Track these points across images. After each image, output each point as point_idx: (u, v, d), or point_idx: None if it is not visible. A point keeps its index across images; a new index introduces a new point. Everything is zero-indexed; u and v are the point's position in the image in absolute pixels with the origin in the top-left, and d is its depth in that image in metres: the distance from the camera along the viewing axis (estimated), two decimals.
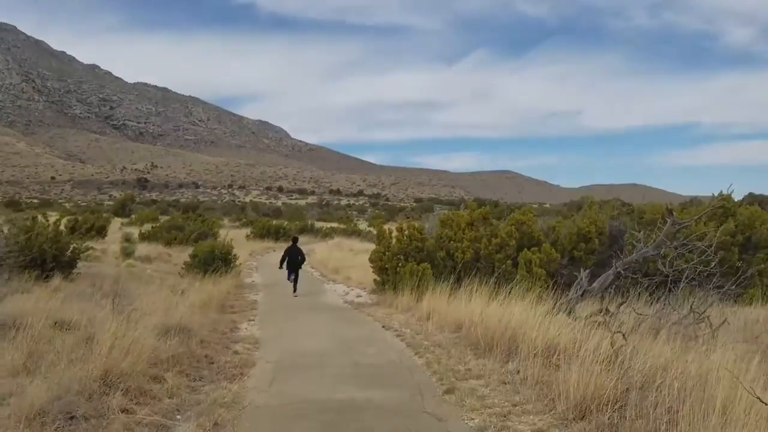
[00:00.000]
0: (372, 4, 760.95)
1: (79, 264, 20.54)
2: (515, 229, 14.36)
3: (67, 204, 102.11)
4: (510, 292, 10.89)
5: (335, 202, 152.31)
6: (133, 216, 59.88)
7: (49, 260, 16.79)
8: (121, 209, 71.74)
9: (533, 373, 6.56)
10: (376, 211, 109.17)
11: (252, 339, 9.68)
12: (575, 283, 11.92)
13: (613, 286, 12.17)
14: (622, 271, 11.56)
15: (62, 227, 19.77)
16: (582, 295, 11.13)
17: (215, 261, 19.46)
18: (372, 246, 23.30)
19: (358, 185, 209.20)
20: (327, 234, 47.61)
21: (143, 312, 10.84)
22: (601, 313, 11.00)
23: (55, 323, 8.82)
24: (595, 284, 11.50)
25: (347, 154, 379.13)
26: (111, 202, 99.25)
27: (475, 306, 10.47)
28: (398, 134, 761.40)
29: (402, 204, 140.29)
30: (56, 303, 11.11)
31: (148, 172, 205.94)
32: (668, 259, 11.57)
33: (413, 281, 13.94)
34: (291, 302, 15.56)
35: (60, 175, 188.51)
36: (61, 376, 5.56)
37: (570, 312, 10.70)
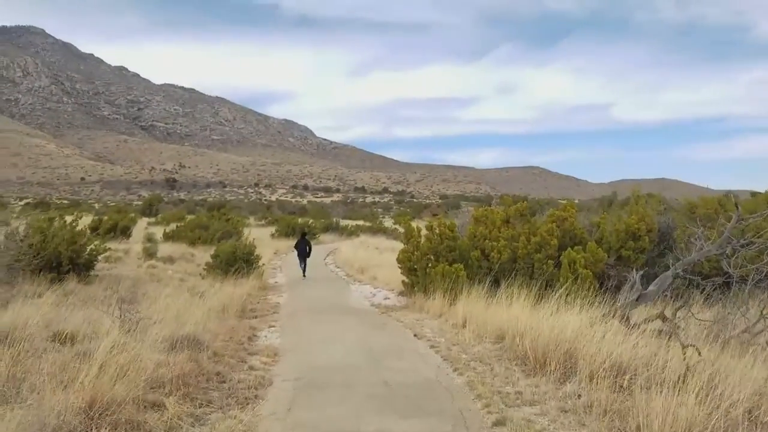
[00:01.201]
0: (396, 0, 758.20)
1: (100, 265, 19.99)
2: (556, 227, 13.21)
3: (96, 204, 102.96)
4: (556, 297, 9.80)
5: (360, 199, 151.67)
6: (159, 216, 59.81)
7: (64, 262, 16.16)
8: (148, 209, 71.85)
9: (599, 399, 5.48)
10: (401, 208, 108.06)
11: (271, 350, 8.74)
12: (627, 286, 10.77)
13: (670, 289, 11.03)
14: (681, 273, 10.39)
15: (80, 227, 19.14)
16: (637, 299, 9.99)
17: (237, 261, 18.69)
18: (398, 244, 22.32)
19: (383, 183, 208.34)
20: (352, 232, 46.74)
21: (154, 320, 10.01)
22: (659, 320, 9.89)
23: (54, 335, 8.02)
24: (651, 287, 10.33)
25: (372, 151, 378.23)
26: (140, 202, 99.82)
27: (517, 312, 9.41)
28: (423, 131, 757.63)
29: (427, 201, 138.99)
30: (61, 310, 10.37)
31: (176, 172, 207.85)
32: (732, 258, 10.39)
33: (445, 283, 12.91)
34: (315, 305, 14.64)
35: (89, 176, 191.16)
36: (38, 407, 4.68)
37: (624, 319, 9.59)
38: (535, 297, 10.36)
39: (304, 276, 21.56)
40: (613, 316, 9.53)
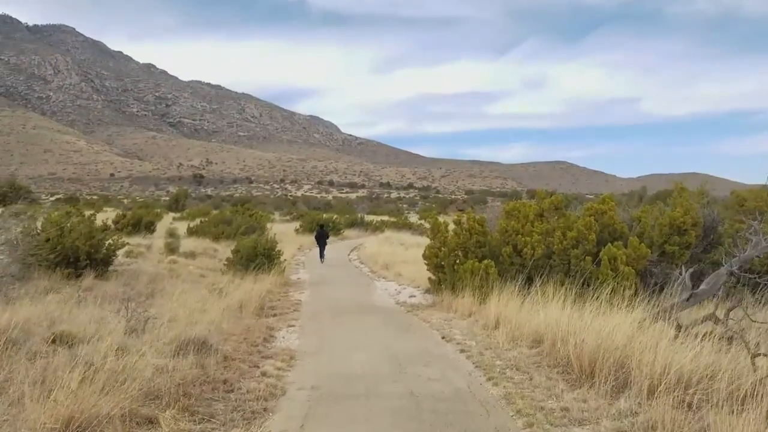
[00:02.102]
0: None
1: (121, 260, 19.62)
2: (594, 221, 12.30)
3: (125, 200, 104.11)
4: (599, 296, 8.96)
5: (385, 195, 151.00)
6: (185, 211, 59.82)
7: (82, 257, 15.75)
8: (175, 204, 72.09)
9: (663, 420, 4.66)
10: (426, 203, 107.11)
11: (287, 353, 8.04)
12: (676, 285, 9.89)
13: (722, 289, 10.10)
14: (736, 270, 9.46)
15: (100, 221, 18.77)
16: (688, 299, 9.10)
17: (258, 257, 18.11)
18: (423, 240, 21.56)
19: (408, 178, 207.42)
20: (377, 227, 46.05)
21: (165, 319, 9.42)
22: (711, 321, 9.01)
23: (53, 336, 7.44)
24: (703, 286, 9.44)
25: (397, 147, 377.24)
26: (168, 198, 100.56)
27: (555, 313, 8.59)
28: (449, 126, 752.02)
29: (453, 196, 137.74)
30: (70, 308, 9.84)
31: (204, 168, 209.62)
32: None
33: (475, 281, 12.11)
34: (337, 303, 13.99)
35: (119, 172, 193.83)
36: (13, 425, 4.04)
37: (674, 321, 8.70)
38: (574, 296, 9.53)
39: (322, 261, 25.28)
40: (662, 318, 8.67)
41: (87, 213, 18.01)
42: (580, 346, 6.52)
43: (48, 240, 15.78)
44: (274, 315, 12.27)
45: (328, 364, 7.47)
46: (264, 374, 6.80)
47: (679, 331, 7.99)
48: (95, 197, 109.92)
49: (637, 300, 9.52)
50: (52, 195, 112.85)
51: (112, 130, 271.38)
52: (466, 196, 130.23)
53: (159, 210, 56.80)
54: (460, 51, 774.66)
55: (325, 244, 26.76)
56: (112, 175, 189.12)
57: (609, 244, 11.87)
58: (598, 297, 9.27)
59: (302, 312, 12.71)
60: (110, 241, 16.99)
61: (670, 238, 12.39)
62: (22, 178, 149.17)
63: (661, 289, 11.06)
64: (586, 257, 11.92)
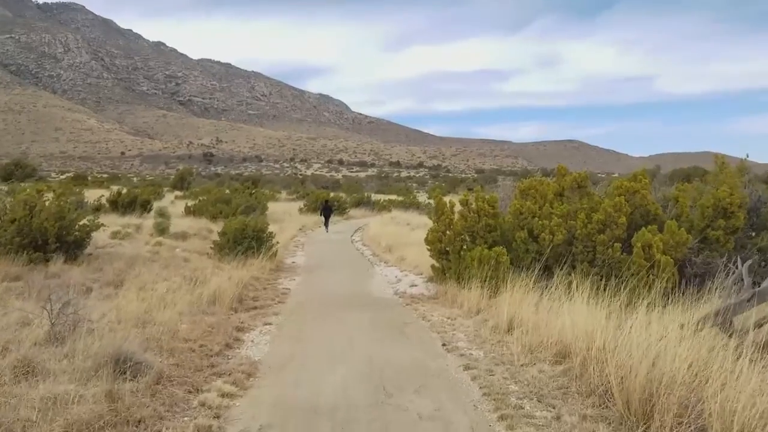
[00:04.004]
0: None
1: (105, 242, 18.20)
2: (625, 201, 10.51)
3: (135, 178, 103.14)
4: (629, 290, 7.25)
5: (395, 174, 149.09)
6: (190, 189, 58.30)
7: (51, 240, 14.24)
8: (180, 183, 70.70)
9: None
10: (436, 182, 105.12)
11: (246, 369, 6.36)
12: (729, 279, 8.15)
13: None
14: None
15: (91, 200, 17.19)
16: (749, 299, 7.34)
17: (246, 240, 16.53)
18: (431, 220, 19.88)
19: (419, 157, 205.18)
20: (384, 207, 44.34)
21: (110, 319, 7.84)
22: None
23: None
24: (766, 283, 7.65)
25: (407, 126, 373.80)
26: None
27: (581, 314, 6.88)
28: (460, 105, 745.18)
29: (463, 175, 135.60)
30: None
31: (214, 147, 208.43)
32: None
33: (484, 271, 10.40)
34: (330, 293, 12.42)
35: (129, 150, 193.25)
36: None
37: (728, 327, 6.97)
38: (605, 294, 7.81)
39: (326, 230, 29.16)
40: (711, 322, 6.95)
41: (58, 191, 16.43)
42: (624, 368, 4.80)
43: (14, 221, 14.33)
44: (254, 308, 10.68)
45: (292, 386, 5.79)
46: (203, 405, 5.09)
47: (727, 336, 6.29)
48: (105, 175, 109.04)
49: (677, 297, 7.82)
50: (63, 173, 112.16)
51: (122, 108, 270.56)
52: (476, 175, 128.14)
53: (163, 188, 55.49)
54: (472, 28, 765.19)
55: (330, 216, 30.95)
56: (122, 153, 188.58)
57: (643, 228, 10.12)
58: (632, 293, 7.58)
59: (287, 305, 11.12)
60: (84, 221, 15.48)
61: (713, 222, 10.59)
62: (34, 156, 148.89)
63: (702, 282, 9.36)
64: (615, 244, 10.18)
